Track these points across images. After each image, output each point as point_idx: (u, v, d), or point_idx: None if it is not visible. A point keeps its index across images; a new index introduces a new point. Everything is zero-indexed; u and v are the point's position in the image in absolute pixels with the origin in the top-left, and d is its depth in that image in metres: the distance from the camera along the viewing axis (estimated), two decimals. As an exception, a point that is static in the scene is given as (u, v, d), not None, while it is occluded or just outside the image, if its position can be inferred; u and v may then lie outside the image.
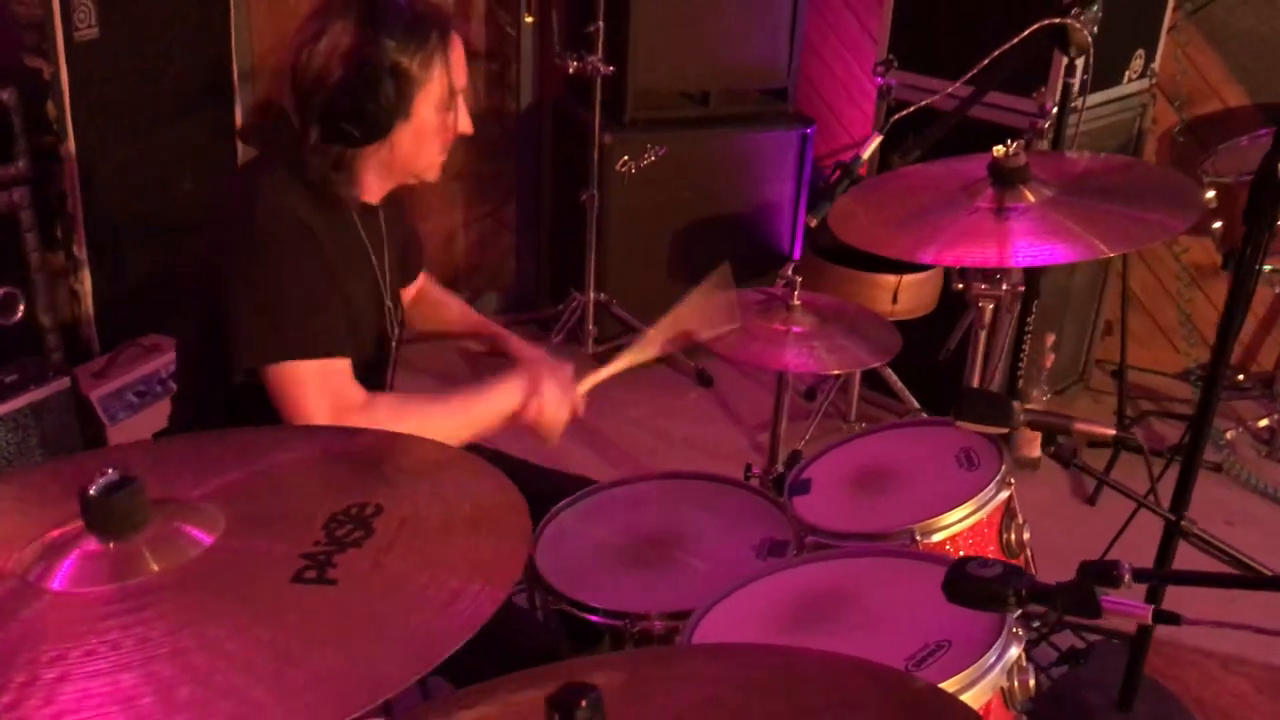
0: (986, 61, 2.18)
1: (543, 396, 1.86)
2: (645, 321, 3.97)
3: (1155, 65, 3.65)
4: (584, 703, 1.02)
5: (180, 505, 0.94)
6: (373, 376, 1.97)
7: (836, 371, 2.16)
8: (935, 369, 3.35)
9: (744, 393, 3.95)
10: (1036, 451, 3.63)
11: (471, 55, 4.25)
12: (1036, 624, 2.83)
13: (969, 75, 2.20)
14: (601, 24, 3.63)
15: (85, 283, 3.13)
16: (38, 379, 2.79)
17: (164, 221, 3.30)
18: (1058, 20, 2.16)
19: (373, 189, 1.91)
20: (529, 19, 4.09)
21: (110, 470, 0.91)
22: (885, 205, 1.95)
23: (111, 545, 0.90)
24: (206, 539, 0.90)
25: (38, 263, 2.96)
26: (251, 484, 1.00)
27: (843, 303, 2.28)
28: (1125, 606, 1.28)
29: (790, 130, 4.00)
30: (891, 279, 3.31)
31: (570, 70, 3.72)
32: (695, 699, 1.14)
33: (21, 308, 2.92)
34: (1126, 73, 3.56)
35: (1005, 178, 1.78)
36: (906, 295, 3.32)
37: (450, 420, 1.81)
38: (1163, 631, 2.63)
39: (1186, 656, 2.82)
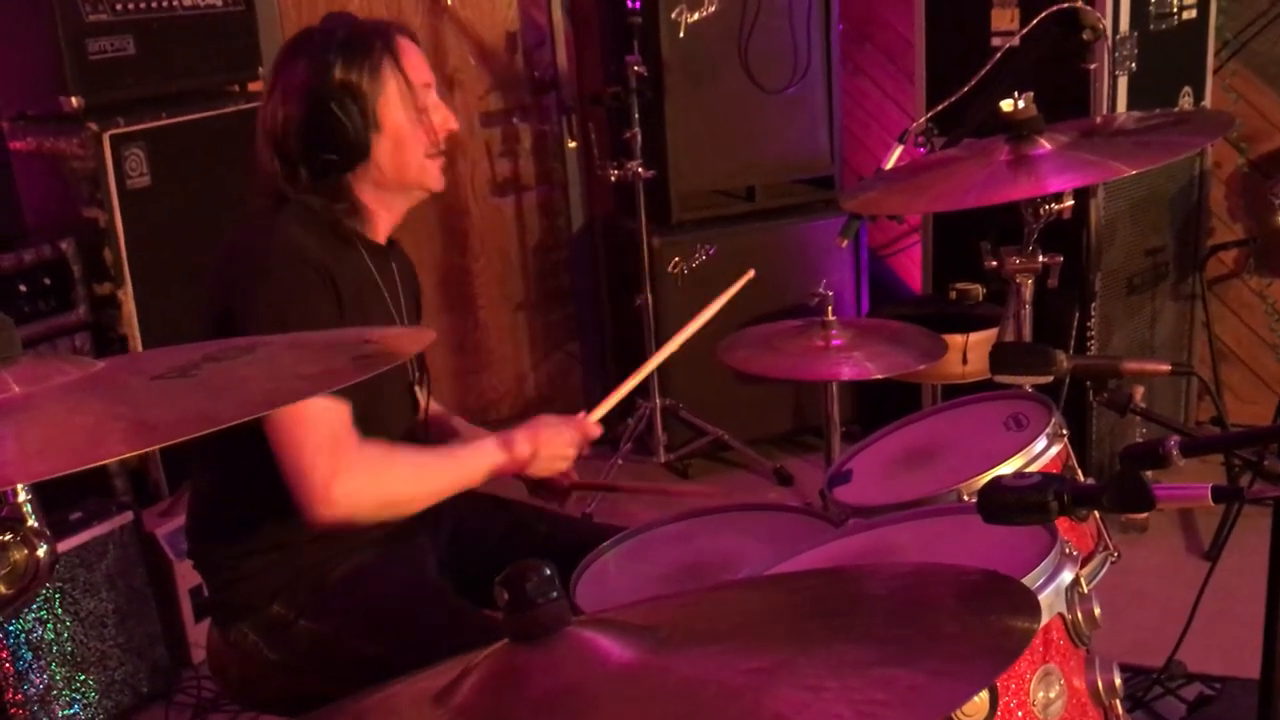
0: (1000, 54, 2.14)
1: (533, 444, 1.86)
2: (714, 424, 3.93)
3: (1206, 103, 3.54)
4: (535, 577, 0.92)
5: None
6: (400, 427, 1.93)
7: (881, 376, 2.06)
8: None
9: (826, 487, 3.79)
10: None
11: (522, 188, 4.37)
12: (1157, 675, 2.60)
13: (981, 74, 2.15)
14: (638, 130, 3.68)
15: (150, 425, 3.16)
16: (100, 515, 2.81)
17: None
18: (1065, 4, 2.12)
19: (380, 224, 1.91)
20: (571, 144, 4.18)
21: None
22: (910, 184, 1.92)
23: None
24: (79, 373, 0.85)
25: (102, 407, 3.00)
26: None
27: (880, 320, 2.19)
28: (1180, 491, 1.13)
29: (840, 217, 3.94)
30: (959, 338, 3.18)
31: (613, 179, 3.76)
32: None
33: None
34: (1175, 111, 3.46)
35: (1018, 130, 1.71)
36: (976, 354, 3.19)
37: (440, 468, 1.81)
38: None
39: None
